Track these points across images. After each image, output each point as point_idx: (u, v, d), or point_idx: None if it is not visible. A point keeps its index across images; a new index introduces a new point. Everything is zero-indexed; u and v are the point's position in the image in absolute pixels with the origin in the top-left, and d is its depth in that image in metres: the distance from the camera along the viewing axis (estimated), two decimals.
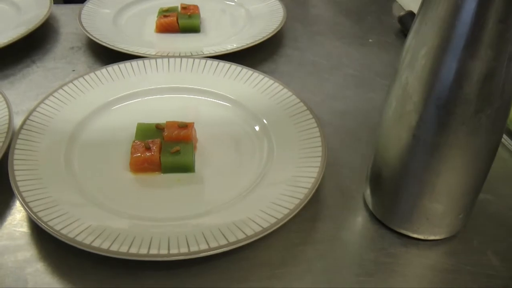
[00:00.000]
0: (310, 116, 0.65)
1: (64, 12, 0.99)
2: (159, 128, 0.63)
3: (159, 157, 0.60)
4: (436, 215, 0.52)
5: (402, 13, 0.95)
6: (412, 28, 0.46)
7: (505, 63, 0.42)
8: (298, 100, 0.68)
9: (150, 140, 0.61)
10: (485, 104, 0.44)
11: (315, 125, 0.63)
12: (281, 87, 0.71)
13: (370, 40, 0.92)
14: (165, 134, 0.62)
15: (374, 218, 0.56)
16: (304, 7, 1.04)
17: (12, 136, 0.61)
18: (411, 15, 0.93)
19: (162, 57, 0.77)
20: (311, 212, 0.57)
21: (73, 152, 0.62)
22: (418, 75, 0.45)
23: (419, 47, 0.45)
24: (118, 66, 0.75)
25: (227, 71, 0.75)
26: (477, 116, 0.44)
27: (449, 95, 0.44)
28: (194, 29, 0.91)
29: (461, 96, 0.43)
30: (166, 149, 0.60)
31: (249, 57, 0.83)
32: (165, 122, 0.64)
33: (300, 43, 0.91)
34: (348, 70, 0.84)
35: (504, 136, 0.68)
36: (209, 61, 0.76)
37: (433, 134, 0.46)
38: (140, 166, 0.60)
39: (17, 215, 0.57)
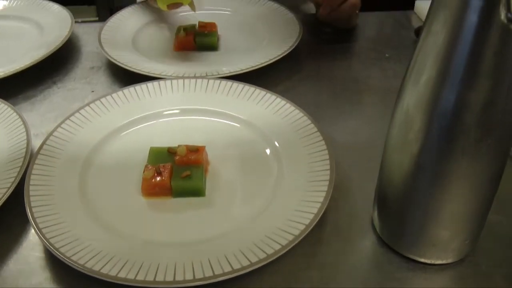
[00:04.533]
0: (320, 138, 0.65)
1: (86, 31, 1.01)
2: (171, 152, 0.64)
3: (170, 182, 0.61)
4: (442, 241, 0.52)
5: (419, 25, 0.94)
6: (414, 54, 0.46)
7: (504, 94, 0.42)
8: (309, 122, 0.68)
9: (161, 165, 0.62)
10: (485, 134, 0.44)
11: (325, 147, 0.63)
12: (292, 108, 0.71)
13: (386, 55, 0.91)
14: (177, 158, 0.63)
15: (382, 241, 0.56)
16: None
17: (30, 160, 0.63)
18: None
19: (177, 78, 0.78)
20: (318, 235, 0.57)
21: (87, 176, 0.64)
22: (419, 104, 0.45)
23: (419, 74, 0.45)
24: (134, 88, 0.76)
25: (241, 92, 0.75)
26: (478, 145, 0.44)
27: (449, 125, 0.44)
28: (211, 47, 0.92)
29: (461, 126, 0.43)
30: (177, 174, 0.61)
31: (265, 76, 0.83)
32: (177, 145, 0.65)
33: (315, 58, 0.91)
34: (362, 86, 0.84)
35: None
36: (223, 82, 0.77)
37: (435, 163, 0.46)
38: (151, 190, 0.61)
39: (33, 239, 0.58)
